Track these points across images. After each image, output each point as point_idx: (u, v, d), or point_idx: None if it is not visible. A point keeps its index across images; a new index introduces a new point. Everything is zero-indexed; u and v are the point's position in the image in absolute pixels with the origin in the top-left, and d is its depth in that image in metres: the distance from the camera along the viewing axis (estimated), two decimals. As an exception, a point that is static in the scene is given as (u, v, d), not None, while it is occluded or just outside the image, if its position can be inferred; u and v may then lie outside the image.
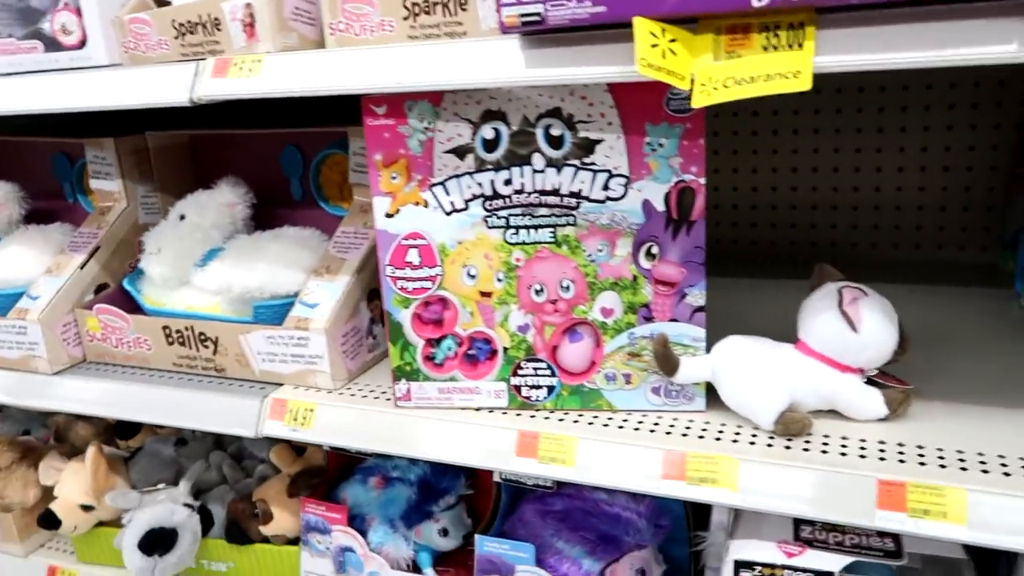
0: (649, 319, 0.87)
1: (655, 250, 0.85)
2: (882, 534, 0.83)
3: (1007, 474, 0.73)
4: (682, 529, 1.02)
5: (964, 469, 0.74)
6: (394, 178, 0.88)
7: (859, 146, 1.33)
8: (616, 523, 0.96)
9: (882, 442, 0.79)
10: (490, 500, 1.08)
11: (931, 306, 1.14)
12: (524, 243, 0.87)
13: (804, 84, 0.65)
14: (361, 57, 0.84)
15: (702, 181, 0.82)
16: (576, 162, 0.84)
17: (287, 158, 1.24)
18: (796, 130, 1.37)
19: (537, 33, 0.74)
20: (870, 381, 0.84)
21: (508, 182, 0.86)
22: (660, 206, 0.83)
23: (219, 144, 1.30)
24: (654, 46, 0.68)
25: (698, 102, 0.69)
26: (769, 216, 1.42)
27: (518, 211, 0.86)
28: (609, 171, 0.83)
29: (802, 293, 0.88)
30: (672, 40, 0.69)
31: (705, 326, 0.86)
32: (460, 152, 0.86)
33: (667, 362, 0.85)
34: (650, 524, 0.97)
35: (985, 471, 0.73)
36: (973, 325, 1.08)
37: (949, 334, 1.05)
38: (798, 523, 0.84)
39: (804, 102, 1.35)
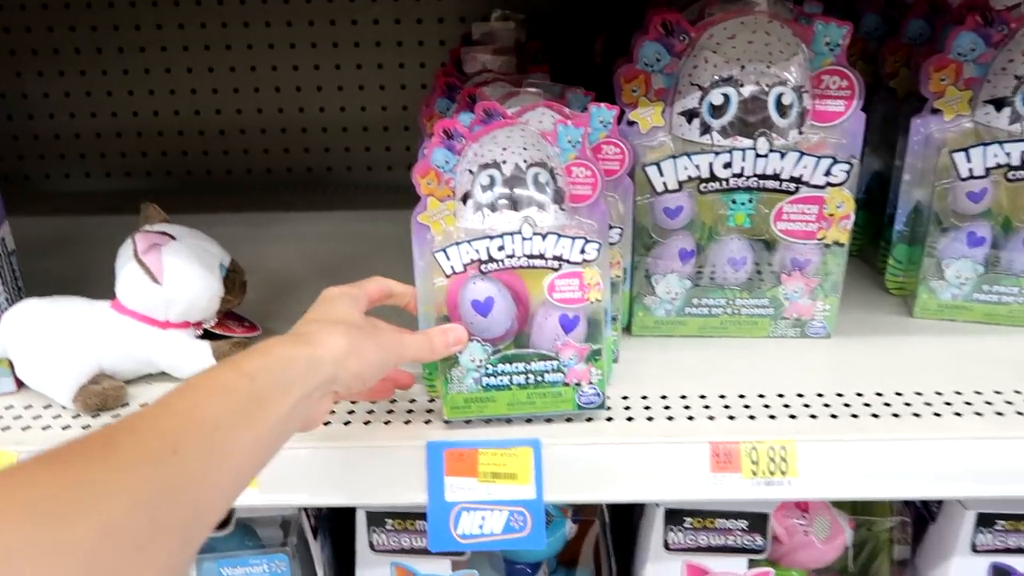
0: (-92, 292, 0.69)
1: None
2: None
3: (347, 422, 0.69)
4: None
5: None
6: None
7: (318, 63, 1.25)
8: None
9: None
10: None
11: (383, 234, 1.10)
12: None
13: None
14: None
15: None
16: None
17: None
18: (251, 45, 1.24)
19: None
20: (210, 333, 0.76)
21: None
22: None
23: None
24: None
25: None
26: (220, 143, 1.30)
27: None
28: None
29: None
30: None
31: (-5, 292, 0.71)
32: None
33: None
34: None
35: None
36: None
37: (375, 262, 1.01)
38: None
39: (254, 13, 1.22)
